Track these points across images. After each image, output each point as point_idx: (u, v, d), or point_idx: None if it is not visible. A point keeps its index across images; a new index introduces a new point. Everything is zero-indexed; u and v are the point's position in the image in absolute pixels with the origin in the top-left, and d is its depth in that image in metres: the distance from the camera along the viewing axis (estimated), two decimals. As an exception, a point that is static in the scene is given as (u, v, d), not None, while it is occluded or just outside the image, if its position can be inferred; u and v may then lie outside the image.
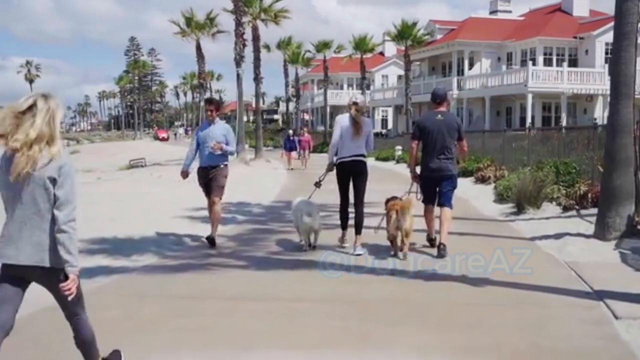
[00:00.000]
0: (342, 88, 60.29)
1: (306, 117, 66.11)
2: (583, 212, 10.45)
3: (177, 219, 11.11)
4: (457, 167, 8.20)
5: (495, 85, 36.67)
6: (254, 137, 36.83)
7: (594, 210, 9.54)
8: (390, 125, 54.15)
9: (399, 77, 52.25)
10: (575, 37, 37.27)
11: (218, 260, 7.64)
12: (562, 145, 14.32)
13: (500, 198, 13.10)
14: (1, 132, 3.19)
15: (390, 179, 17.42)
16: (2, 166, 3.26)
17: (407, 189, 8.29)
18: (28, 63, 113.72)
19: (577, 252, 7.72)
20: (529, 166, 14.29)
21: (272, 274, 6.90)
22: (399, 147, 31.01)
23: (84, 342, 3.57)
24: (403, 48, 40.27)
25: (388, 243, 7.80)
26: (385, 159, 31.49)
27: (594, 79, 34.78)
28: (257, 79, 33.84)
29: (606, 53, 35.27)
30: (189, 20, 33.74)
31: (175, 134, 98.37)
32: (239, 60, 30.41)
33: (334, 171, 8.18)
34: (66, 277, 3.26)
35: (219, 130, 8.60)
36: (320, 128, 54.71)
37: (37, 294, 3.69)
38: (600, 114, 34.47)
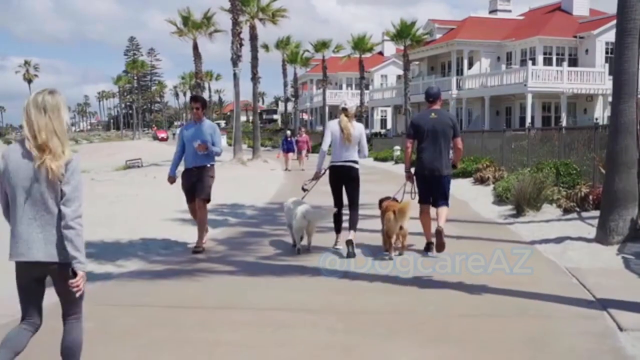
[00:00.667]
0: (341, 88, 59.99)
1: (305, 117, 65.83)
2: (584, 214, 10.17)
3: (167, 222, 10.85)
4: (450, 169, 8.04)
5: (494, 85, 36.43)
6: (252, 137, 36.52)
7: (596, 213, 9.29)
8: (389, 125, 53.91)
9: (398, 77, 52.01)
10: (575, 37, 37.02)
11: (205, 266, 7.35)
12: (562, 146, 14.07)
13: (499, 199, 12.82)
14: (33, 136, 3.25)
15: (388, 180, 17.11)
16: (12, 165, 3.26)
17: (403, 190, 8.11)
18: (26, 63, 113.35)
19: (579, 258, 7.42)
20: (529, 167, 14.08)
21: (260, 281, 6.61)
22: (398, 148, 30.76)
23: (72, 346, 3.45)
24: (402, 47, 39.99)
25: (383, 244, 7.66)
26: (384, 159, 31.31)
27: (594, 79, 34.58)
28: (255, 79, 33.55)
29: (606, 52, 35.04)
30: (186, 20, 33.37)
31: (174, 134, 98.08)
32: (235, 60, 30.12)
33: (327, 175, 8.05)
34: (74, 274, 3.28)
35: (205, 130, 8.22)
36: (319, 128, 54.40)
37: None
38: (600, 114, 34.30)
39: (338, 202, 8.08)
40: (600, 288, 5.92)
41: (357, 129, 7.83)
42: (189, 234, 9.24)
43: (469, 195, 14.43)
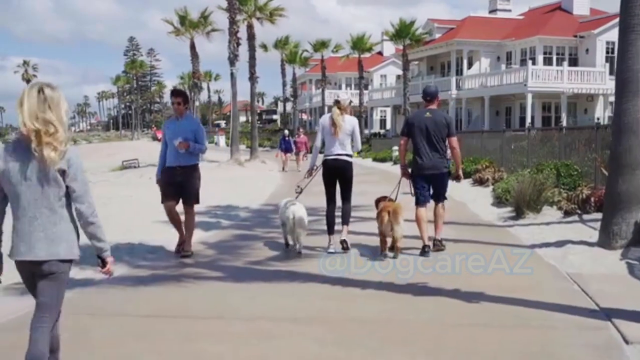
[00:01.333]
0: (340, 88, 59.64)
1: (304, 117, 65.54)
2: (585, 217, 9.91)
3: (159, 224, 10.54)
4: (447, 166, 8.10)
5: (494, 84, 36.18)
6: (250, 138, 36.24)
7: (597, 215, 9.03)
8: (388, 126, 53.63)
9: (398, 77, 51.73)
10: (575, 36, 36.77)
11: (192, 271, 7.08)
12: (562, 146, 13.82)
13: (499, 201, 12.55)
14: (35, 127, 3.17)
15: (387, 181, 16.81)
16: (12, 163, 3.20)
17: (398, 188, 8.07)
18: (25, 63, 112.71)
19: (580, 262, 7.14)
20: (529, 168, 13.84)
21: (248, 288, 6.34)
22: (396, 148, 30.46)
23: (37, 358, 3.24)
24: (401, 47, 39.74)
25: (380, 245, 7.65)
26: (383, 160, 31.04)
27: (594, 79, 34.35)
28: (253, 79, 33.31)
29: (607, 52, 34.82)
30: (183, 19, 33.18)
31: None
32: (232, 59, 29.85)
33: (321, 173, 8.01)
34: (104, 263, 3.42)
35: (188, 126, 7.81)
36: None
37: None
38: (601, 114, 34.04)
39: (331, 200, 7.99)
40: (603, 295, 5.64)
41: (349, 122, 7.81)
42: (176, 237, 8.95)
43: (467, 197, 14.15)
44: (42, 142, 3.13)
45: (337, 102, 7.83)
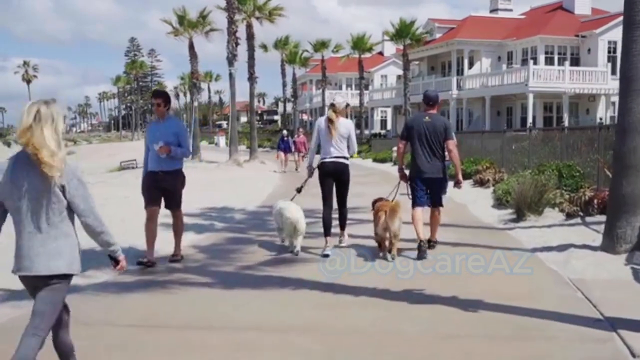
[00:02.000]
0: (340, 88, 59.47)
1: (305, 117, 65.30)
2: (588, 219, 9.66)
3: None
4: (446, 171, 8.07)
5: (495, 84, 35.92)
6: (249, 138, 36.00)
7: (601, 218, 8.79)
8: (389, 126, 53.40)
9: (398, 77, 51.47)
10: (577, 36, 36.49)
11: (181, 277, 6.83)
12: (564, 147, 13.57)
13: (499, 203, 12.29)
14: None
15: (386, 182, 16.56)
16: (12, 177, 3.21)
17: (396, 190, 8.09)
18: (25, 63, 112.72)
19: (583, 267, 6.87)
20: (530, 169, 13.61)
21: (238, 295, 6.09)
22: (396, 149, 30.24)
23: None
24: (402, 47, 39.50)
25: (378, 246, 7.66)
26: (383, 160, 30.80)
27: (596, 79, 34.07)
28: (252, 79, 33.09)
29: (609, 52, 34.56)
30: (181, 19, 32.92)
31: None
32: (231, 60, 29.60)
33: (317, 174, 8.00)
34: (116, 262, 3.52)
35: (170, 129, 7.41)
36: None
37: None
38: (603, 114, 33.75)
39: (327, 203, 7.92)
40: (607, 303, 5.38)
41: (344, 125, 7.85)
42: (170, 242, 8.70)
43: (467, 198, 13.88)
44: (40, 159, 3.14)
45: (332, 106, 7.89)
